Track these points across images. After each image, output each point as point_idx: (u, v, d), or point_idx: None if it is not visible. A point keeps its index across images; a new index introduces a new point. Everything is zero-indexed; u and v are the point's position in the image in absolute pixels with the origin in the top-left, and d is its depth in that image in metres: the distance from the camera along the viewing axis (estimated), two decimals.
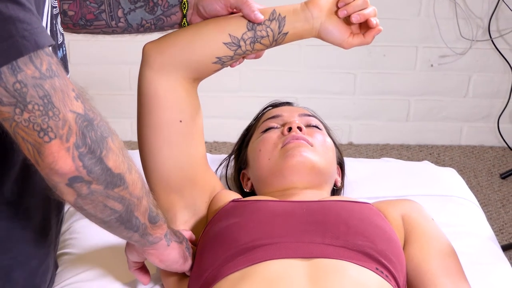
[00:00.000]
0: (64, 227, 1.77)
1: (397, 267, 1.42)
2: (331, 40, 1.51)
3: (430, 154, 3.48)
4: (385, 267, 1.39)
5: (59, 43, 1.41)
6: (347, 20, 1.50)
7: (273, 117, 1.74)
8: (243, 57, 1.55)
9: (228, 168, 1.90)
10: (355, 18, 1.46)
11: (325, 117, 1.89)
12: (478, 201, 2.63)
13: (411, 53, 3.36)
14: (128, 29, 1.60)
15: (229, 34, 1.49)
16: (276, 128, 1.70)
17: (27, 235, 1.39)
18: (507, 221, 3.03)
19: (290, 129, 1.66)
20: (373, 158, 3.31)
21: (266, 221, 1.45)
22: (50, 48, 1.10)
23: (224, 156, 1.95)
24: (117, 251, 1.63)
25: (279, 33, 1.49)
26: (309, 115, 1.76)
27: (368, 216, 1.49)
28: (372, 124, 3.50)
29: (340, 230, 1.42)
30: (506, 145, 3.51)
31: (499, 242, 2.73)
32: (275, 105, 1.84)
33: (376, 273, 1.37)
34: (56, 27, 1.39)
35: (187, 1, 1.56)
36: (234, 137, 1.89)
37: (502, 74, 3.41)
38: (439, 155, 3.47)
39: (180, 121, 1.56)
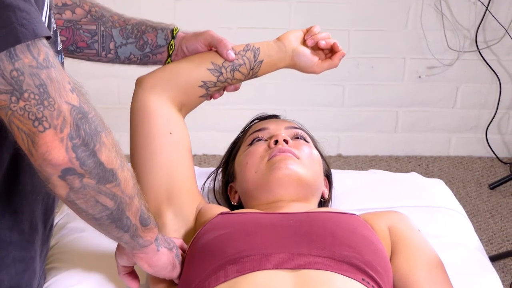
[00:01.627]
0: (52, 242, 1.76)
1: (383, 278, 1.42)
2: (303, 65, 1.72)
3: (419, 165, 3.49)
4: (371, 278, 1.40)
5: (58, 49, 1.44)
6: (314, 50, 1.72)
7: (260, 130, 1.75)
8: (223, 89, 1.73)
9: (216, 181, 1.90)
10: (322, 44, 1.69)
11: (313, 129, 1.90)
12: (467, 211, 2.64)
13: (399, 65, 3.37)
14: (115, 60, 1.72)
15: (212, 62, 1.68)
16: (263, 141, 1.72)
17: (14, 238, 1.39)
18: (496, 231, 3.04)
19: (276, 142, 1.67)
20: (362, 169, 3.32)
21: (253, 233, 1.46)
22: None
23: (214, 169, 1.96)
24: (106, 265, 1.63)
25: (255, 61, 1.69)
26: (296, 128, 1.77)
27: (355, 227, 1.49)
28: (361, 135, 3.51)
29: (327, 241, 1.43)
30: (494, 156, 3.52)
31: (489, 253, 2.75)
32: (262, 118, 1.85)
33: (363, 284, 1.37)
34: (55, 32, 1.41)
35: (174, 43, 1.72)
36: (223, 149, 1.90)
37: (489, 84, 3.43)
38: (428, 166, 3.48)
39: (170, 133, 1.65)
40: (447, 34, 3.30)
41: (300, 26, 3.20)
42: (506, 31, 3.28)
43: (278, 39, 1.72)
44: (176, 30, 1.73)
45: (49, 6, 1.29)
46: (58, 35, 1.46)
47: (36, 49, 1.08)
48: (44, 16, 1.23)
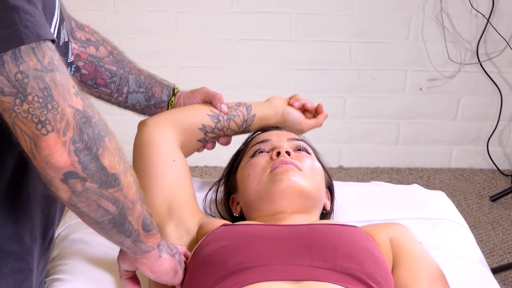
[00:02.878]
0: (54, 253, 1.76)
1: None
2: (292, 121, 1.88)
3: (420, 177, 3.49)
4: None
5: (68, 61, 1.45)
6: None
7: (262, 141, 1.75)
8: (216, 140, 1.85)
9: (218, 192, 1.90)
10: (309, 106, 1.89)
11: (315, 140, 1.90)
12: (468, 223, 2.63)
13: (400, 77, 3.37)
14: (121, 104, 1.81)
15: (210, 109, 1.82)
16: (265, 152, 1.72)
17: (14, 248, 1.39)
18: (498, 243, 3.04)
19: (278, 153, 1.67)
20: (364, 181, 3.32)
21: (255, 244, 1.46)
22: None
23: (215, 180, 1.96)
24: (109, 276, 1.63)
25: (248, 114, 1.84)
26: (298, 140, 1.78)
27: (356, 239, 1.49)
28: (362, 147, 3.51)
29: (328, 252, 1.43)
30: (495, 168, 3.52)
31: (490, 265, 2.75)
32: (264, 130, 1.85)
33: None
34: (66, 44, 1.43)
35: (174, 99, 1.86)
36: (225, 161, 1.90)
37: (490, 97, 3.43)
38: (429, 178, 3.48)
39: (174, 160, 1.72)
40: (448, 46, 3.31)
41: (301, 38, 3.24)
42: (508, 43, 3.28)
43: (267, 100, 1.90)
44: (176, 89, 1.88)
45: (59, 19, 1.30)
46: (70, 48, 1.47)
47: (41, 52, 1.09)
48: (53, 27, 1.24)
